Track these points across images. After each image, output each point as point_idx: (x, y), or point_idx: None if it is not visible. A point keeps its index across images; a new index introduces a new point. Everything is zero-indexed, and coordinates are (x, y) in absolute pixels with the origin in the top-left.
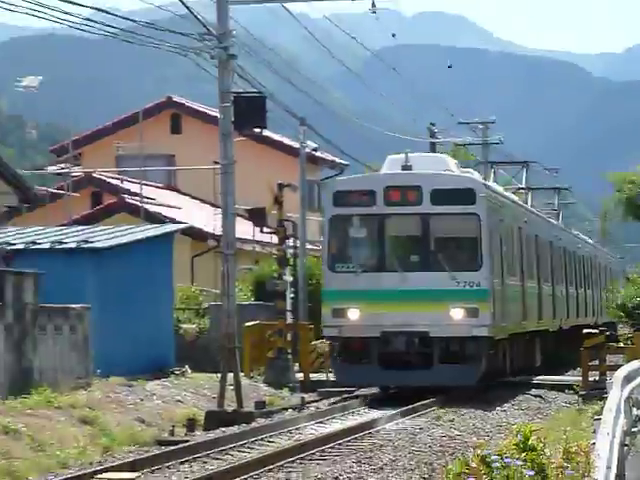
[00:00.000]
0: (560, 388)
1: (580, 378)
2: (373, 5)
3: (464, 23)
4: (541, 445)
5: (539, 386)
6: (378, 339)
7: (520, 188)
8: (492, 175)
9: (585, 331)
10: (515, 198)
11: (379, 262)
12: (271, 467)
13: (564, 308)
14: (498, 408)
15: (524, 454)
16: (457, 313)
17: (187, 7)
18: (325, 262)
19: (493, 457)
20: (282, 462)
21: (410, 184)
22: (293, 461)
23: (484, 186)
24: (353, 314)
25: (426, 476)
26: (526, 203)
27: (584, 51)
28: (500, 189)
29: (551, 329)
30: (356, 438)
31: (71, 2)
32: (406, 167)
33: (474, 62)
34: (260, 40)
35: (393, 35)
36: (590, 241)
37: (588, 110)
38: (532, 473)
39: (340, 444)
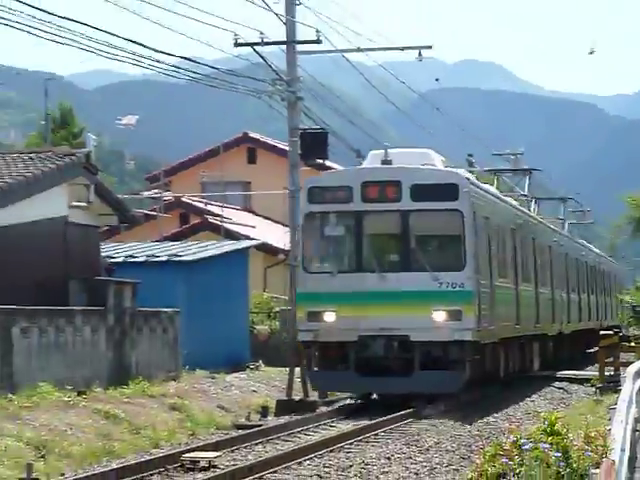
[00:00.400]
0: (580, 382)
1: (597, 373)
2: (420, 54)
3: (496, 68)
4: (565, 430)
5: (561, 380)
6: (355, 343)
7: (522, 195)
8: (495, 182)
9: (602, 332)
10: (512, 201)
11: (356, 262)
12: (332, 448)
13: (564, 312)
14: (527, 398)
15: (550, 438)
16: (439, 316)
17: (261, 56)
18: (300, 262)
19: (522, 441)
20: (342, 443)
21: (389, 179)
22: (351, 443)
23: (468, 182)
24: (329, 317)
25: (465, 457)
26: (529, 211)
27: (600, 92)
28: (492, 189)
29: (550, 333)
30: (405, 424)
31: (161, 52)
32: (386, 162)
33: (505, 102)
34: (323, 85)
35: (437, 79)
36: (596, 250)
37: (604, 145)
38: (559, 454)
39: (392, 429)
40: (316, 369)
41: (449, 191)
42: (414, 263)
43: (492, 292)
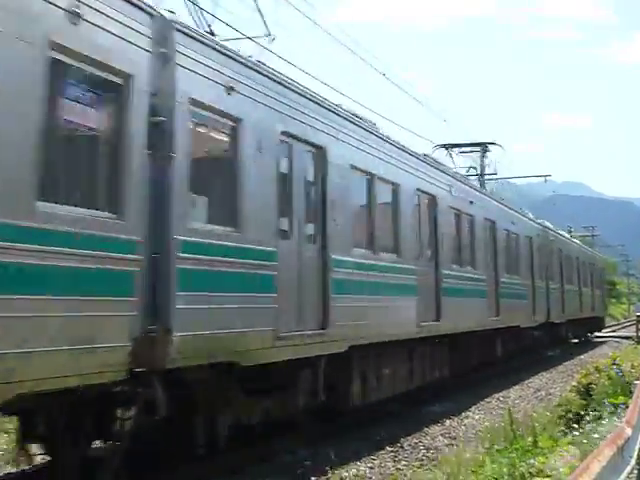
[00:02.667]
0: (626, 338)
1: (634, 334)
2: (545, 179)
3: (579, 185)
4: (622, 361)
5: (615, 337)
6: None
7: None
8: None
9: (637, 313)
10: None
11: None
12: None
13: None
14: (599, 347)
15: (614, 365)
16: None
17: None
18: None
19: (601, 367)
20: None
21: None
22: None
23: None
24: None
25: (571, 375)
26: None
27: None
28: None
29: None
30: (539, 359)
31: None
32: None
33: (585, 203)
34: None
35: (553, 191)
36: (567, 235)
37: (633, 228)
38: (619, 373)
39: (531, 362)
40: None
41: None
42: None
43: None
